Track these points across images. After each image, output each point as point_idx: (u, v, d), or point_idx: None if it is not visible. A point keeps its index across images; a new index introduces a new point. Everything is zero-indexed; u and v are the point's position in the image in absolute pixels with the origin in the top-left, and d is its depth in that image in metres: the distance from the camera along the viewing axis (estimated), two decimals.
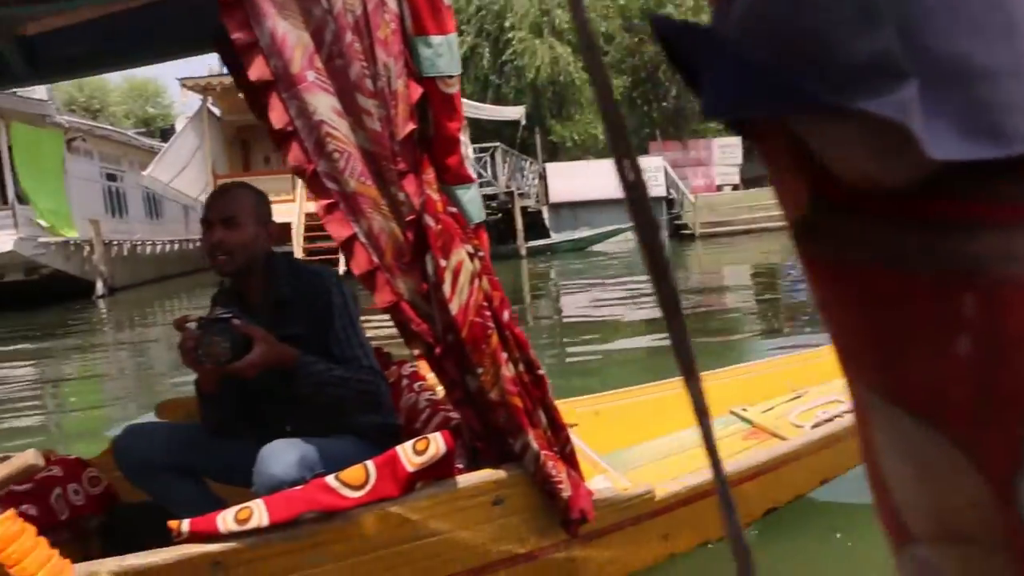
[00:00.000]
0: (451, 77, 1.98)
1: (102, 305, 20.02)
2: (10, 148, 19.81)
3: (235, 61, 2.87)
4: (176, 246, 27.14)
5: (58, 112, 22.28)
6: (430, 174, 1.98)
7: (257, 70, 1.90)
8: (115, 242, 22.91)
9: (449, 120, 1.98)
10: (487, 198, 21.91)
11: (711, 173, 29.20)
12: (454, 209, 2.01)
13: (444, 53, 1.97)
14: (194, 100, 22.04)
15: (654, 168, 25.31)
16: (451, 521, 2.08)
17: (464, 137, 2.20)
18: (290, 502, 1.95)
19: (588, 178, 24.27)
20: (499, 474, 2.10)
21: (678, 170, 27.27)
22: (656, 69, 28.99)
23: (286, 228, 19.60)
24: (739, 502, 1.89)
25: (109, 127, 28.73)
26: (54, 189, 21.08)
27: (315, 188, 1.94)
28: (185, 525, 1.91)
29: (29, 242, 19.57)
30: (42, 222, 20.21)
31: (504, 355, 2.02)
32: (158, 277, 25.34)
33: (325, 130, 1.91)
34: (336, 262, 19.04)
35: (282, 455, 2.11)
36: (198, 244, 23.86)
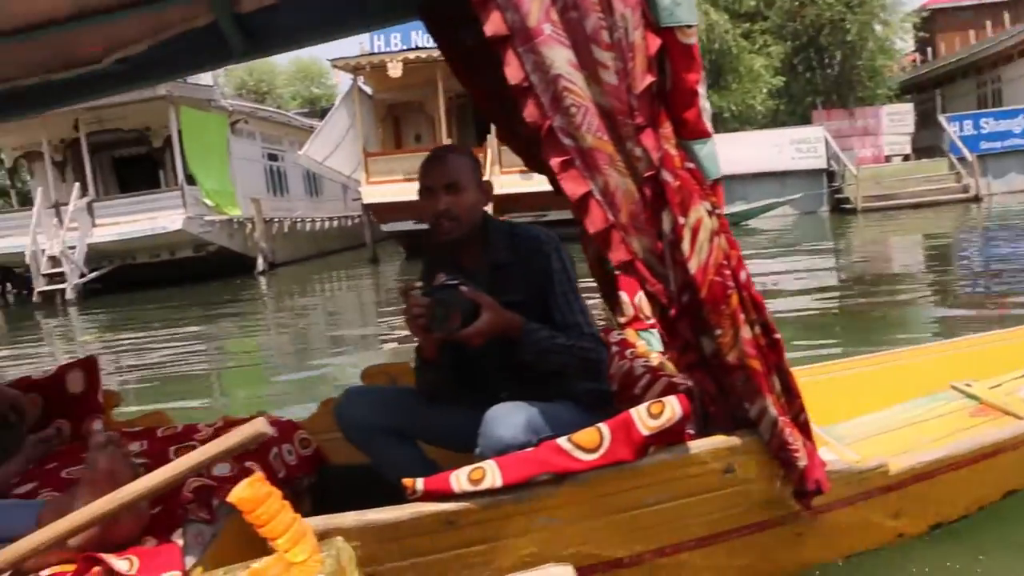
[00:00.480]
0: (690, 27, 1.89)
1: (263, 280, 20.99)
2: (179, 132, 20.97)
3: (439, 30, 2.90)
4: (335, 223, 28.06)
5: (222, 96, 23.46)
6: (667, 128, 1.90)
7: (493, 25, 1.87)
8: (276, 219, 23.95)
9: (688, 72, 1.89)
10: None
11: (879, 143, 27.37)
12: (691, 165, 1.92)
13: (682, 1, 1.88)
14: (345, 80, 22.72)
15: (814, 139, 24.28)
16: (681, 488, 2.02)
17: (702, 89, 2.10)
18: (523, 463, 1.94)
19: (745, 149, 23.43)
20: (732, 441, 2.02)
21: (843, 140, 25.79)
22: (818, 33, 27.64)
23: (407, 206, 20.03)
24: (973, 483, 1.71)
25: (271, 109, 29.99)
26: (219, 170, 22.23)
27: (551, 144, 1.90)
28: (419, 484, 1.93)
29: (196, 221, 20.70)
30: (208, 201, 21.35)
31: (743, 316, 1.93)
32: (317, 253, 26.36)
33: (562, 84, 1.87)
34: None
35: (509, 418, 2.11)
36: (356, 220, 24.62)
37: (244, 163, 23.84)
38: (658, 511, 2.02)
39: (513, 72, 1.87)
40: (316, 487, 2.80)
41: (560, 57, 1.86)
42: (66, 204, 20.41)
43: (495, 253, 2.38)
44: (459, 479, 1.92)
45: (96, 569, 1.79)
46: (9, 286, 22.60)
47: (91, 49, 2.87)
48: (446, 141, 21.34)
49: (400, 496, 1.97)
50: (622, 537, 2.02)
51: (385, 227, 21.82)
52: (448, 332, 2.16)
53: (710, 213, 1.91)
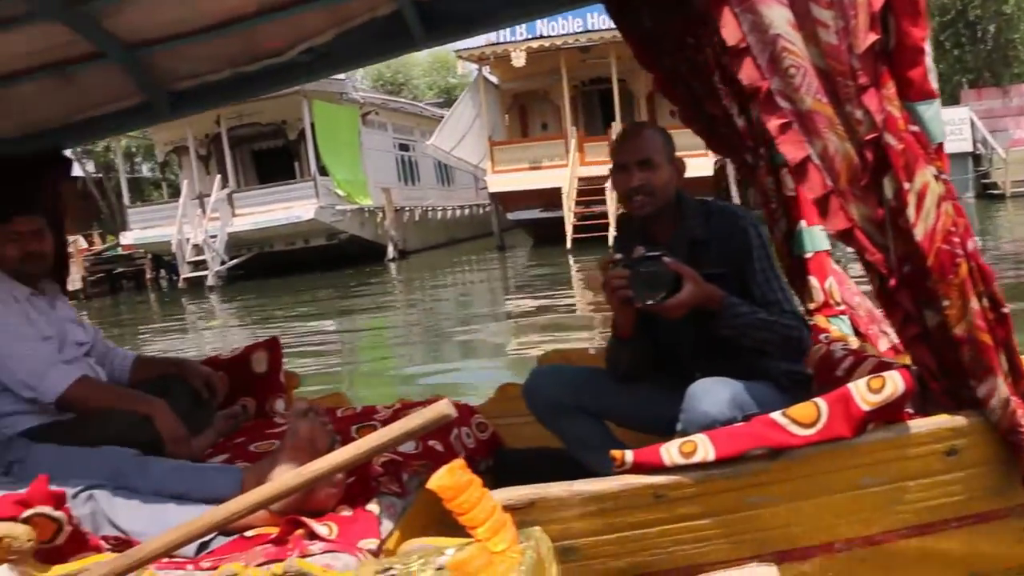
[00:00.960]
0: None
1: (393, 267, 21.51)
2: (312, 125, 21.68)
3: (620, 13, 2.85)
4: (466, 211, 28.49)
5: (354, 89, 24.12)
6: (891, 89, 1.80)
7: None
8: (406, 208, 24.48)
9: (914, 27, 1.78)
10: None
11: None
12: (915, 128, 1.81)
13: None
14: (471, 70, 22.98)
15: (958, 120, 22.81)
16: (898, 470, 1.91)
17: (928, 47, 1.99)
18: (737, 437, 1.88)
19: None
20: (956, 420, 1.90)
21: (995, 120, 24.20)
22: (966, 7, 26.10)
23: (556, 192, 20.01)
24: None
25: (402, 100, 30.70)
26: (350, 160, 22.89)
27: (768, 107, 1.83)
28: (628, 455, 1.90)
29: (328, 210, 21.38)
30: (339, 191, 22.02)
31: (972, 287, 1.81)
32: (448, 241, 26.84)
33: (781, 45, 1.79)
34: (605, 227, 19.26)
35: (714, 393, 2.06)
36: (487, 209, 24.92)
37: (375, 153, 24.46)
38: (873, 494, 1.92)
39: (730, 33, 1.81)
40: (493, 470, 2.82)
41: (779, 16, 1.79)
42: (208, 195, 21.44)
43: (691, 229, 2.34)
44: (669, 451, 1.87)
45: (298, 532, 1.86)
46: (162, 272, 23.97)
47: (276, 43, 2.97)
48: (570, 129, 21.31)
49: (582, 477, 1.94)
50: (833, 520, 1.93)
51: (511, 215, 22.01)
52: (651, 303, 2.13)
53: (936, 178, 1.80)
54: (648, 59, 2.81)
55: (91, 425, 2.50)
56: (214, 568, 1.69)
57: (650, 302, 2.12)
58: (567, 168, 20.55)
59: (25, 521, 1.71)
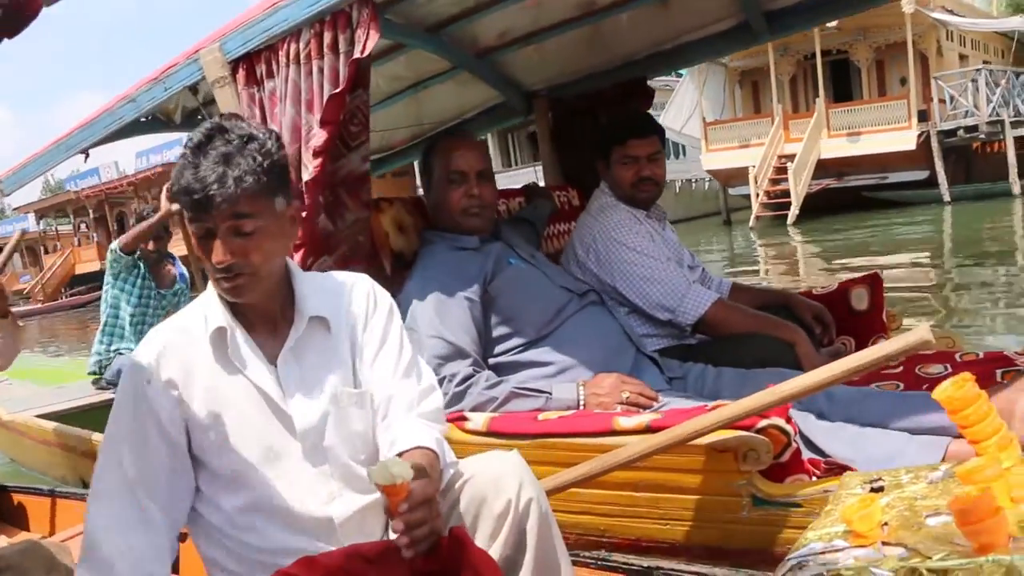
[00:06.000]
0: None
1: None
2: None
3: None
4: (692, 185, 29.18)
5: None
6: None
7: None
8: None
9: None
10: (966, 130, 20.12)
11: None
12: None
13: None
14: None
15: None
16: None
17: None
18: None
19: None
20: None
21: None
22: None
23: (742, 172, 21.04)
24: None
25: None
26: None
27: None
28: None
29: None
30: None
31: None
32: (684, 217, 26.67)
33: None
34: (787, 206, 20.06)
35: None
36: (710, 183, 25.05)
37: None
38: None
39: None
40: None
41: None
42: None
43: None
44: None
45: None
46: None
47: None
48: (776, 107, 21.82)
49: None
50: None
51: (732, 191, 22.86)
52: None
53: None
54: None
55: (732, 349, 2.43)
56: None
57: None
58: (762, 147, 21.20)
59: (759, 432, 1.68)
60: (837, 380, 1.59)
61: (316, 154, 2.04)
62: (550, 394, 2.09)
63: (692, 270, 2.90)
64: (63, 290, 33.38)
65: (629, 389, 2.08)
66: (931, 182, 20.06)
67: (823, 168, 21.02)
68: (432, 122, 3.81)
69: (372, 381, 1.53)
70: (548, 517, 1.42)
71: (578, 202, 3.43)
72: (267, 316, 1.51)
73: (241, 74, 2.23)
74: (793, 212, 20.11)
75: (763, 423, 1.66)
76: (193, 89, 2.49)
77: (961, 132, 20.22)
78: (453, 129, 3.82)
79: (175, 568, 2.36)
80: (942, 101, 20.44)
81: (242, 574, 1.47)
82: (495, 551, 1.37)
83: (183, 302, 4.67)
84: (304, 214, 2.06)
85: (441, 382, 2.03)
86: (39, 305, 30.62)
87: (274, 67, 2.18)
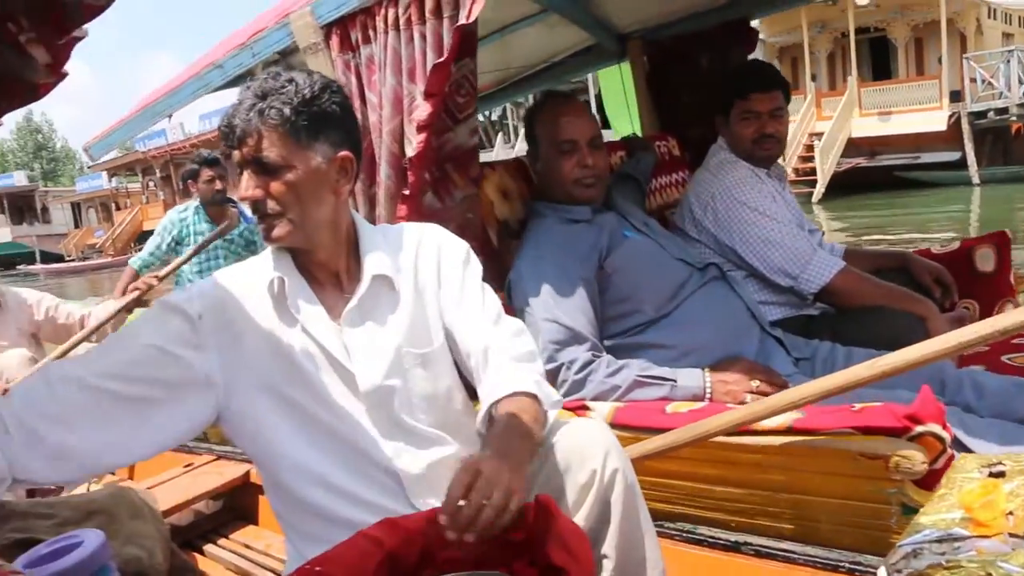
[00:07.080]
0: None
1: None
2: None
3: None
4: None
5: None
6: None
7: None
8: None
9: None
10: (997, 112, 19.70)
11: None
12: None
13: None
14: None
15: None
16: None
17: None
18: None
19: None
20: None
21: None
22: None
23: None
24: None
25: None
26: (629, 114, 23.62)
27: None
28: None
29: None
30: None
31: None
32: None
33: None
34: (814, 183, 19.02)
35: None
36: None
37: None
38: None
39: None
40: None
41: None
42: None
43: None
44: None
45: None
46: None
47: None
48: (826, 81, 21.09)
49: None
50: None
51: None
52: None
53: None
54: None
55: (857, 322, 2.27)
56: None
57: None
58: (794, 124, 20.55)
59: (913, 439, 1.50)
60: (962, 348, 1.43)
61: (420, 128, 1.91)
62: (675, 381, 1.96)
63: (812, 234, 2.73)
64: (132, 244, 34.53)
65: (759, 378, 1.95)
66: (963, 163, 19.80)
67: (855, 147, 20.88)
68: (519, 66, 3.66)
69: (462, 333, 1.49)
70: (634, 488, 1.35)
71: (678, 152, 3.25)
72: (329, 271, 1.48)
73: (335, 40, 2.10)
74: (818, 191, 19.93)
75: (919, 429, 1.50)
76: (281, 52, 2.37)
77: (991, 114, 19.94)
78: (543, 74, 3.64)
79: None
80: (973, 81, 20.15)
81: (315, 532, 1.42)
82: (578, 522, 1.31)
83: (260, 247, 4.39)
84: (407, 192, 1.96)
85: (559, 369, 1.97)
86: (110, 259, 32.79)
87: (370, 33, 2.04)
